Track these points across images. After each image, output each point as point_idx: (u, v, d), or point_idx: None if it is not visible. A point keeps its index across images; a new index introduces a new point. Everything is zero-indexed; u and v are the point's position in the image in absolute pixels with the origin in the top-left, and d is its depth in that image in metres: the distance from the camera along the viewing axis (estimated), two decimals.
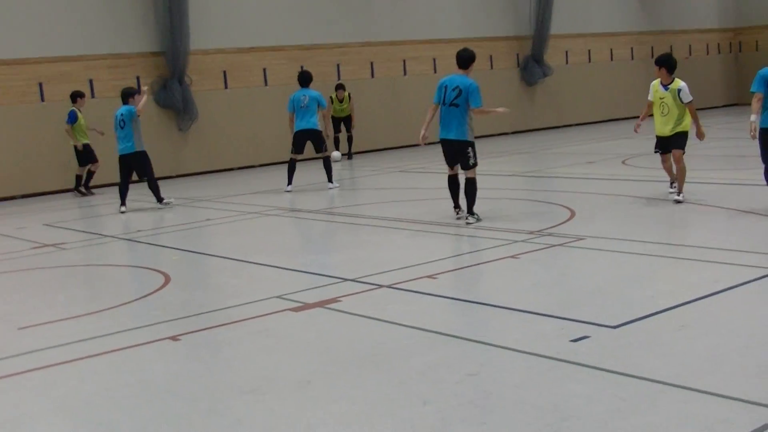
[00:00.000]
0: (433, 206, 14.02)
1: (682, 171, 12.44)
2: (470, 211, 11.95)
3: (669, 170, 13.06)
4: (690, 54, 33.55)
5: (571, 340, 6.50)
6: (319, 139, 16.99)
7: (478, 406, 5.33)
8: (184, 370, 6.66)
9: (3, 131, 19.67)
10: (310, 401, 5.69)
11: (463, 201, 12.25)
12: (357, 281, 8.95)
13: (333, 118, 22.33)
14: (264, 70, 23.31)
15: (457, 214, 12.22)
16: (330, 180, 17.16)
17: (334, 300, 8.23)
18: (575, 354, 6.19)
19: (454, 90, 11.78)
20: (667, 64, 12.47)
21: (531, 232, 10.81)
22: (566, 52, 29.78)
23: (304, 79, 17.10)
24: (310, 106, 16.74)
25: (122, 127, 15.93)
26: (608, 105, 30.76)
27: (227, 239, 12.65)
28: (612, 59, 31.34)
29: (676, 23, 33.30)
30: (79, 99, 18.91)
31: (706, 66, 33.98)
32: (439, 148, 12.20)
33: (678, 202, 12.28)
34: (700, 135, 12.73)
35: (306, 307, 8.07)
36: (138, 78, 21.33)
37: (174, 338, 7.34)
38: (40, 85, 20.17)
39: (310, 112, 16.77)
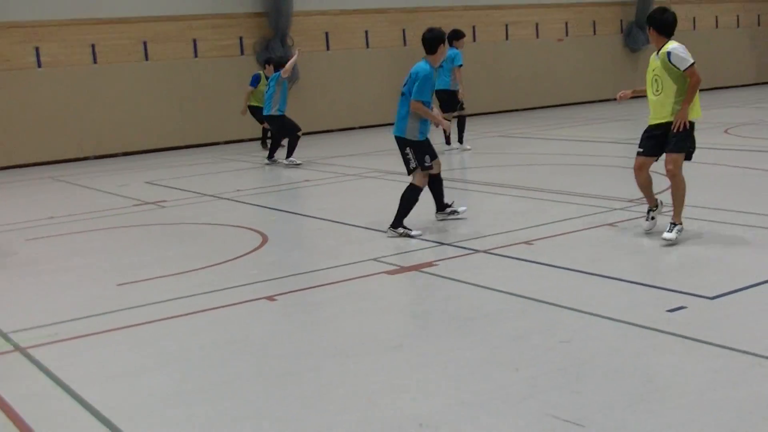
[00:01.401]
0: (531, 171, 13.95)
1: (677, 188, 8.67)
2: (393, 223, 9.65)
3: (646, 185, 9.07)
4: None
5: (668, 310, 6.42)
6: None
7: (570, 374, 5.32)
8: (278, 330, 6.77)
9: (108, 90, 20.10)
10: (401, 365, 5.73)
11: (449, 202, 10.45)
12: (453, 245, 8.97)
13: None
14: (366, 32, 23.36)
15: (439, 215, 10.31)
16: (460, 140, 17.32)
17: (430, 264, 8.25)
18: (670, 324, 6.12)
19: (409, 76, 9.58)
20: (656, 23, 8.61)
21: (630, 200, 10.67)
22: None
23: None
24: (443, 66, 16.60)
25: (267, 90, 16.50)
26: (712, 73, 30.04)
27: (326, 200, 12.76)
28: (717, 26, 30.58)
29: None
30: (268, 66, 18.01)
31: None
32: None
33: (669, 242, 8.45)
34: (679, 116, 8.52)
35: (401, 270, 8.12)
36: (241, 38, 21.53)
37: (270, 298, 7.46)
38: (144, 44, 20.52)
39: (443, 71, 16.71)
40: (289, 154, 16.32)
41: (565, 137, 18.49)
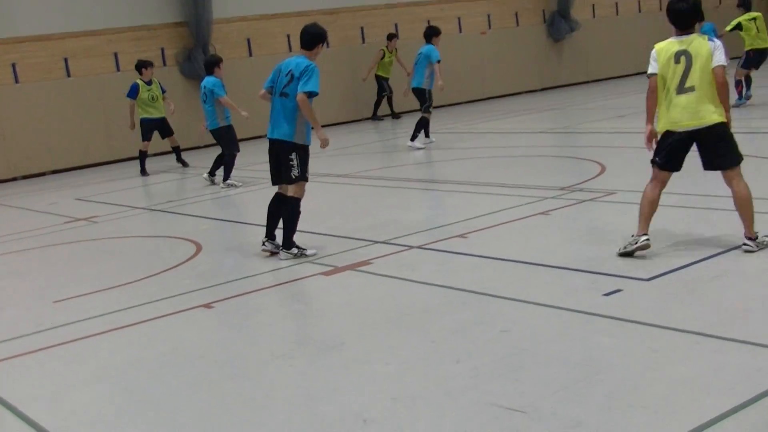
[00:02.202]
0: (461, 166, 13.99)
1: (745, 200, 7.23)
2: (285, 244, 8.77)
3: (652, 204, 7.58)
4: (719, 3, 33.06)
5: (604, 294, 6.46)
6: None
7: (510, 363, 5.32)
8: (216, 337, 6.69)
9: (31, 108, 19.76)
10: (343, 363, 5.70)
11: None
12: (387, 243, 8.94)
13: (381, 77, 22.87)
14: (288, 36, 23.24)
15: (264, 245, 9.05)
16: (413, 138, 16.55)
17: (365, 262, 8.22)
18: (608, 308, 6.16)
19: (287, 75, 8.80)
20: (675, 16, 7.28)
21: (561, 188, 10.74)
22: (593, 6, 29.40)
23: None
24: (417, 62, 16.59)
25: (204, 101, 14.62)
26: (637, 58, 30.32)
27: (257, 206, 12.64)
28: (640, 11, 30.94)
29: None
30: (144, 70, 17.50)
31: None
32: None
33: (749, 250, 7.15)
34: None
35: (337, 270, 8.07)
36: (162, 50, 21.36)
37: (207, 306, 7.37)
38: (66, 60, 20.23)
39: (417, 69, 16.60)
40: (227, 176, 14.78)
41: (494, 130, 18.56)
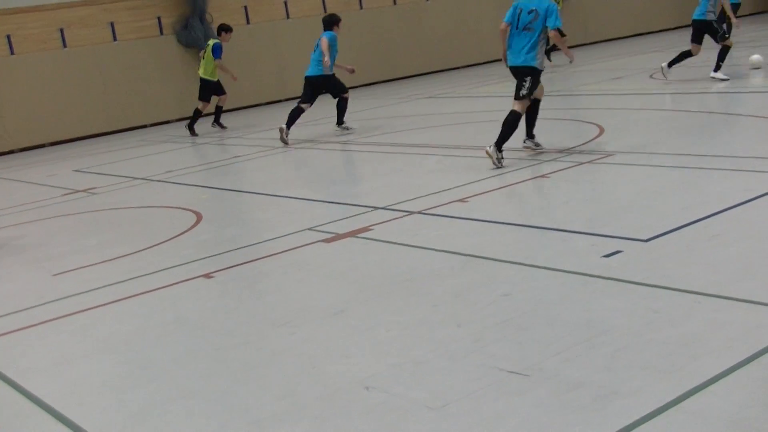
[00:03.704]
0: (458, 131, 13.97)
1: None
2: (498, 143, 10.34)
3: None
4: None
5: (603, 256, 6.47)
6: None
7: (512, 326, 5.34)
8: (218, 306, 6.71)
9: (26, 80, 19.74)
10: (345, 330, 5.72)
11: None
12: (388, 209, 8.95)
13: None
14: (285, 3, 23.16)
15: (525, 143, 11.12)
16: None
17: (366, 229, 8.24)
18: (608, 269, 6.17)
19: (529, 13, 10.40)
20: None
21: (560, 151, 10.74)
22: None
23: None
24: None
25: (314, 50, 15.26)
26: (635, 19, 30.25)
27: (257, 175, 12.68)
28: None
29: None
30: (224, 33, 18.23)
31: None
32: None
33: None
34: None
35: (338, 237, 8.08)
36: (159, 18, 21.27)
37: (207, 275, 7.39)
38: (61, 31, 20.16)
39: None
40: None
41: (492, 94, 18.53)
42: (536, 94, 10.75)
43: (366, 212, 8.96)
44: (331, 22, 15.31)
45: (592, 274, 6.09)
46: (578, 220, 7.66)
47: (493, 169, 10.13)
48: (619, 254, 6.48)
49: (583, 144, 11.07)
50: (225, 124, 18.83)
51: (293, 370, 5.15)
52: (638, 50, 24.58)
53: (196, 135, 18.04)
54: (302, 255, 7.71)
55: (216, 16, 21.73)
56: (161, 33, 21.48)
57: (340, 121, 15.66)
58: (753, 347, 4.56)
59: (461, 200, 8.90)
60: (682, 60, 15.62)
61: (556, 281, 6.14)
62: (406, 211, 8.73)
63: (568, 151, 10.65)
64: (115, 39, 20.75)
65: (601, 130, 11.89)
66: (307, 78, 15.34)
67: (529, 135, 11.09)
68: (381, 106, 19.51)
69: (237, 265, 7.66)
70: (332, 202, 9.66)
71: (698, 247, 6.47)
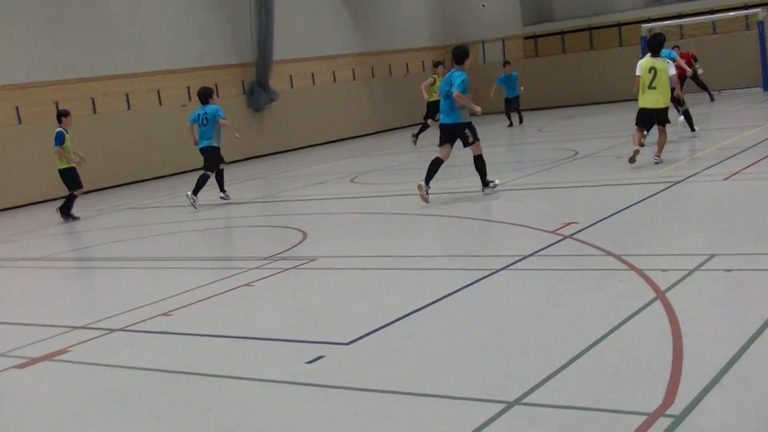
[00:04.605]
0: (160, 242, 13.73)
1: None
2: (484, 183, 13.49)
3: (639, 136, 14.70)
4: (407, 72, 34.63)
5: (307, 362, 6.50)
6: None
7: None
8: None
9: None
10: None
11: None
12: (87, 328, 8.60)
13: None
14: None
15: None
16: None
17: (63, 351, 7.84)
18: (311, 375, 6.20)
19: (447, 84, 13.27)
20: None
21: (265, 258, 10.77)
22: (290, 77, 30.01)
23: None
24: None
25: (204, 125, 16.80)
26: (335, 125, 31.25)
27: None
28: (335, 81, 31.87)
29: (392, 43, 34.30)
30: (64, 118, 17.44)
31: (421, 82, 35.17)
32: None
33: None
34: None
35: (32, 362, 7.63)
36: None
37: None
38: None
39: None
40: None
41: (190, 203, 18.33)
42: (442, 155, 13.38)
43: (64, 333, 8.54)
44: None
45: (296, 382, 6.10)
46: (282, 327, 7.68)
47: (488, 194, 13.29)
48: (321, 359, 6.53)
49: (286, 250, 11.16)
50: None
51: None
52: (340, 155, 25.29)
53: None
54: None
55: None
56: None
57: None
58: None
59: (165, 314, 8.69)
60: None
61: (261, 391, 6.10)
62: (106, 329, 8.42)
63: (272, 258, 10.70)
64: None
65: (305, 236, 12.04)
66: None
67: (427, 182, 13.13)
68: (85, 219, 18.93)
69: None
70: (25, 324, 9.12)
71: (396, 346, 6.64)
